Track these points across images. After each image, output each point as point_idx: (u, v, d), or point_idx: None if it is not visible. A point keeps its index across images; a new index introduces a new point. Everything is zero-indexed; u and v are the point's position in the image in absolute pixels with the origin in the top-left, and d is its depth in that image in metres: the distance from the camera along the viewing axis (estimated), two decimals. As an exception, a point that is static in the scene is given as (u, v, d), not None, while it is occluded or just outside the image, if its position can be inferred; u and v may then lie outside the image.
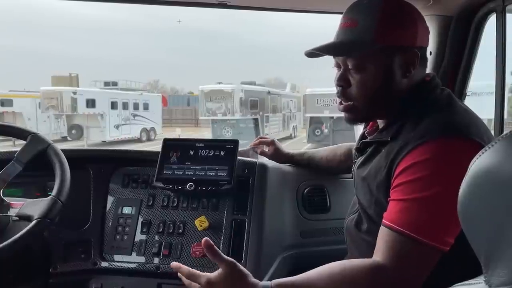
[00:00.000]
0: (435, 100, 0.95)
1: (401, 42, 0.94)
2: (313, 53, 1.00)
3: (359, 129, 1.20)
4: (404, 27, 0.95)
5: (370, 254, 0.88)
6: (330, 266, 0.87)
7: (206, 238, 0.86)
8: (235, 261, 0.87)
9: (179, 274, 0.93)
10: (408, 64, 0.95)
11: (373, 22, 0.93)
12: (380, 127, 1.03)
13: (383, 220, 0.87)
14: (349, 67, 0.96)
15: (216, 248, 0.87)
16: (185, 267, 0.91)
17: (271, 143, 1.51)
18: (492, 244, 0.42)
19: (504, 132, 0.43)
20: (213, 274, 0.86)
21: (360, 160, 1.04)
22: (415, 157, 0.84)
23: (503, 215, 0.40)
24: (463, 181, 0.45)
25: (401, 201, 0.85)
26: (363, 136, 1.09)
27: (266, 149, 1.53)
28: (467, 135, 0.84)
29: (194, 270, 0.90)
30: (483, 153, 0.43)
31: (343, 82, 0.98)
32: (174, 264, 0.93)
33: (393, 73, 0.95)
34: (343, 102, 1.01)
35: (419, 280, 0.84)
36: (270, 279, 1.23)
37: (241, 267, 0.87)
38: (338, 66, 1.00)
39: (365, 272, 0.84)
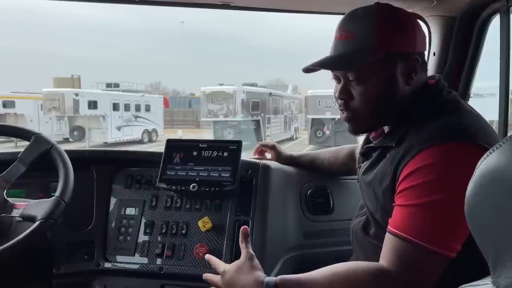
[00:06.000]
0: (442, 103, 0.93)
1: (401, 49, 0.91)
2: (310, 68, 0.97)
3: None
4: (403, 33, 0.92)
5: (376, 257, 0.87)
6: (334, 267, 0.87)
7: (244, 226, 1.01)
8: (252, 254, 0.96)
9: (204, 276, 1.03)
10: (410, 71, 0.93)
11: (371, 31, 0.89)
12: (385, 132, 1.01)
13: (388, 226, 0.86)
14: (350, 79, 0.93)
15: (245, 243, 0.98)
16: (214, 258, 1.04)
17: (272, 148, 1.51)
18: (499, 244, 0.42)
19: (510, 134, 0.43)
20: (229, 264, 0.97)
21: (365, 165, 1.02)
22: (420, 162, 0.82)
23: (511, 215, 0.40)
24: (470, 181, 0.45)
25: (405, 207, 0.84)
26: (367, 141, 1.08)
27: (268, 155, 1.53)
28: (473, 140, 0.82)
29: (218, 261, 1.02)
30: (490, 153, 0.43)
31: (345, 95, 0.95)
32: (208, 256, 1.06)
33: (396, 81, 0.92)
34: (345, 113, 0.98)
35: (424, 287, 0.82)
36: (274, 280, 1.23)
37: (255, 261, 0.95)
38: (337, 78, 0.97)
39: (369, 276, 0.83)
